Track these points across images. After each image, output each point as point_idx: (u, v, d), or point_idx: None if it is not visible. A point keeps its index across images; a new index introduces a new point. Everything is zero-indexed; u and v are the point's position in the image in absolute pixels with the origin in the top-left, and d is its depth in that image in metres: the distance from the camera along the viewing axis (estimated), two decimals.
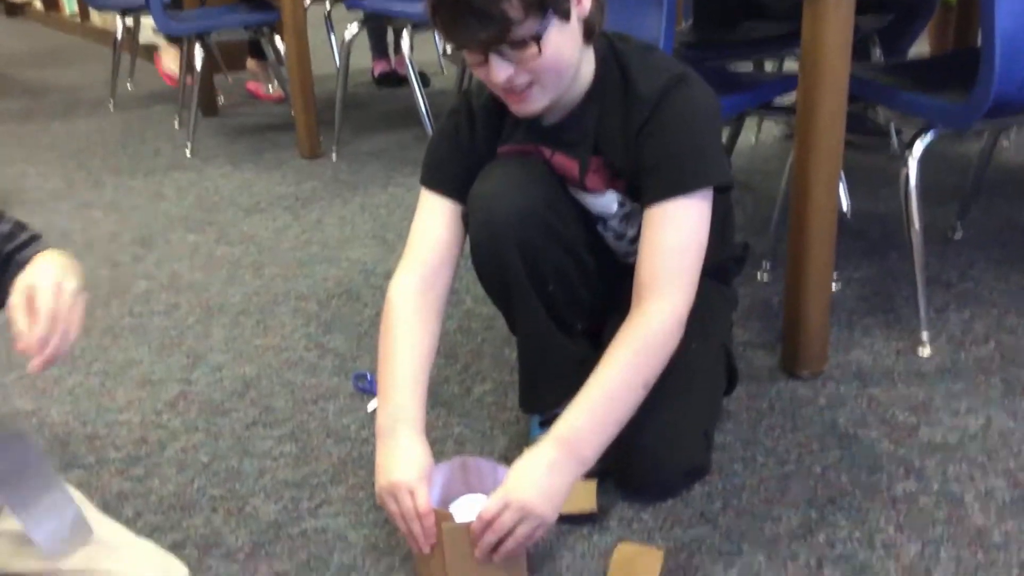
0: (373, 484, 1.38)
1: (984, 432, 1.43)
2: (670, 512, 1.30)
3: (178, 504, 1.38)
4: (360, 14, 3.09)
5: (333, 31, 4.35)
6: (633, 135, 1.23)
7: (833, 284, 1.72)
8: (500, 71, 1.14)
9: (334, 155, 3.11)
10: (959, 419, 1.47)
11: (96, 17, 6.12)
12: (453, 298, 1.99)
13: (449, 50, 1.28)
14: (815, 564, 1.18)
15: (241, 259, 2.30)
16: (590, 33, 1.20)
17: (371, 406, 1.61)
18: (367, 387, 1.67)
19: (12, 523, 1.01)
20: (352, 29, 3.10)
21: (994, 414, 1.48)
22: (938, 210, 2.25)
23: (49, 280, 0.91)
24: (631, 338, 1.18)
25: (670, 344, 1.19)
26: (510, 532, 1.11)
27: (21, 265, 0.98)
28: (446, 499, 1.22)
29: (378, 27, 3.94)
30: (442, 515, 1.14)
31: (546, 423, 1.43)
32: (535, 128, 1.29)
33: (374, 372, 1.71)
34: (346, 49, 3.10)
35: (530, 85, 1.17)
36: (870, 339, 1.73)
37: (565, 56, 1.17)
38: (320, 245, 2.36)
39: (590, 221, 1.36)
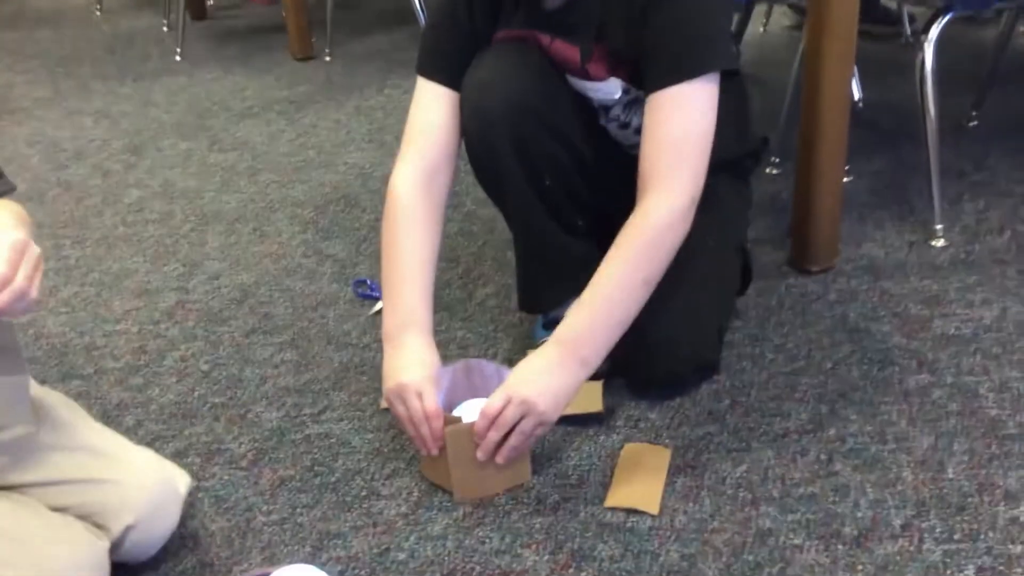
0: (376, 390, 1.37)
1: (999, 323, 1.40)
2: (677, 411, 1.28)
3: (179, 413, 1.37)
4: None
5: None
6: (636, 16, 1.15)
7: (844, 176, 1.67)
8: None
9: (327, 56, 3.02)
10: (973, 310, 1.44)
11: None
12: (454, 200, 1.94)
13: None
14: (825, 459, 1.17)
15: (235, 165, 2.24)
16: None
17: (372, 311, 1.58)
18: (367, 293, 1.64)
19: (9, 434, 0.99)
20: None
21: (1009, 304, 1.44)
22: (952, 99, 2.17)
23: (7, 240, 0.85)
24: (632, 234, 1.14)
25: (673, 239, 1.14)
26: (513, 429, 1.09)
27: None
28: (451, 403, 1.20)
29: None
30: (449, 418, 1.12)
31: (550, 325, 1.39)
32: (535, 13, 1.22)
33: (374, 278, 1.68)
34: None
35: None
36: (882, 232, 1.68)
37: None
38: (315, 150, 2.30)
39: (590, 113, 1.30)
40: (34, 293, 0.84)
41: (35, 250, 0.87)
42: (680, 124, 1.13)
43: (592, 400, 1.26)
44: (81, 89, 2.89)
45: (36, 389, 1.08)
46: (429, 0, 1.34)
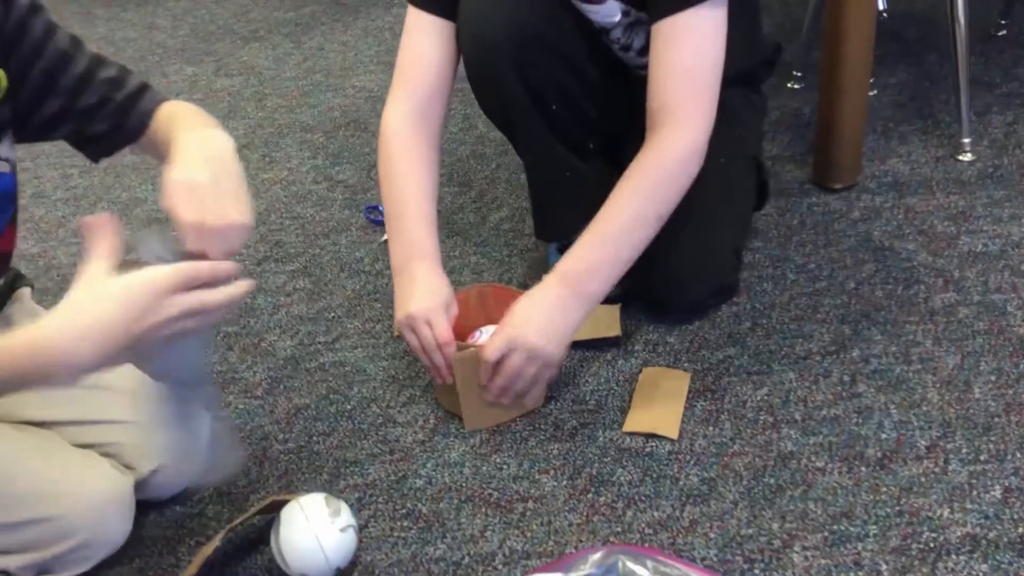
0: (389, 317, 1.35)
1: None
2: (696, 334, 1.25)
3: None
4: None
5: None
6: None
7: (868, 90, 1.61)
8: None
9: None
10: (1001, 226, 1.39)
11: None
12: (464, 124, 1.90)
13: None
14: (848, 380, 1.14)
15: (242, 90, 2.19)
16: None
17: (384, 238, 1.56)
18: (379, 219, 1.61)
19: None
20: None
21: None
22: (979, 6, 2.08)
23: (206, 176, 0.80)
24: (645, 168, 1.09)
25: (686, 175, 1.10)
26: (520, 373, 1.07)
27: (144, 115, 0.93)
28: (465, 330, 1.18)
29: None
30: (462, 346, 1.11)
31: (564, 249, 1.36)
32: None
33: None
34: None
35: None
36: (907, 147, 1.63)
37: None
38: (323, 73, 2.24)
39: (594, 34, 1.24)
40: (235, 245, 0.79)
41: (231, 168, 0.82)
42: (690, 53, 1.08)
43: (610, 324, 1.24)
44: (85, 16, 2.83)
45: (31, 309, 1.07)
46: None
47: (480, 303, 1.20)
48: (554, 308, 1.08)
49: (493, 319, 1.17)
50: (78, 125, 0.94)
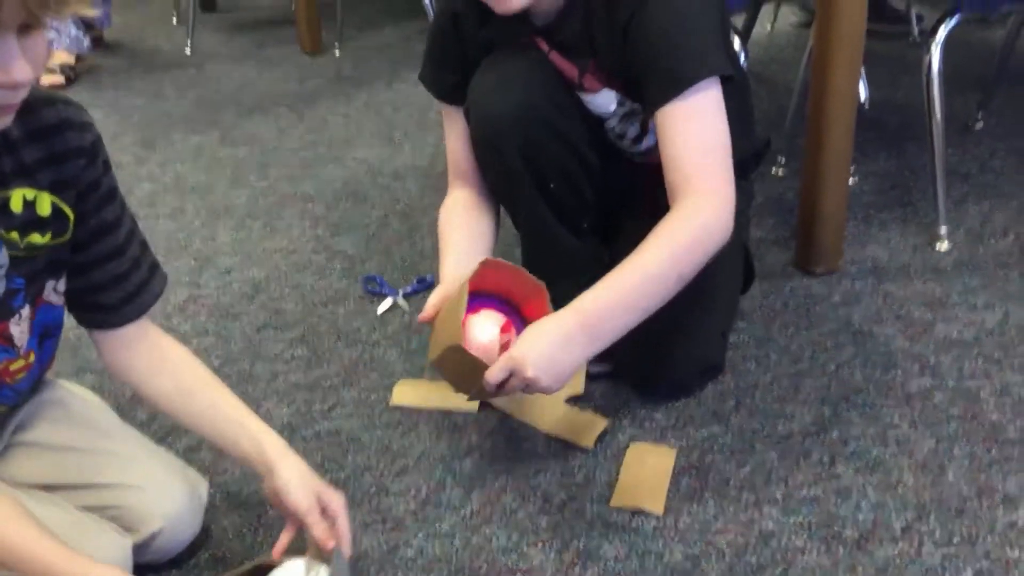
0: (385, 387, 1.40)
1: (1001, 327, 1.42)
2: (683, 411, 1.30)
3: None
4: None
5: None
6: (620, 33, 1.16)
7: (850, 178, 1.68)
8: None
9: (337, 51, 3.03)
10: (976, 314, 1.45)
11: None
12: None
13: None
14: (828, 461, 1.18)
15: (246, 160, 2.26)
16: None
17: (381, 308, 1.60)
18: (376, 290, 1.66)
19: (30, 435, 1.01)
20: None
21: (1012, 309, 1.46)
22: (958, 100, 2.18)
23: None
24: (672, 228, 1.12)
25: (712, 242, 1.13)
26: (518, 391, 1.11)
27: (142, 308, 1.03)
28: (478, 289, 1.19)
29: None
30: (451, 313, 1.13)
31: None
32: (528, 26, 1.23)
33: (383, 274, 1.69)
34: None
35: None
36: (886, 234, 1.70)
37: None
38: (325, 145, 2.31)
39: (593, 119, 1.31)
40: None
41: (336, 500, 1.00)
42: (695, 133, 1.13)
43: (575, 382, 1.28)
44: (92, 82, 2.91)
45: (63, 386, 1.11)
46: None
47: (495, 272, 1.19)
48: (561, 342, 1.09)
49: (500, 287, 1.19)
50: (91, 291, 1.00)
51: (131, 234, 1.02)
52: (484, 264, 1.16)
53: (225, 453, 1.05)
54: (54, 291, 0.97)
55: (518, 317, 1.20)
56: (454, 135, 1.34)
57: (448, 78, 1.31)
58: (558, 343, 1.09)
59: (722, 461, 1.20)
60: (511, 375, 1.08)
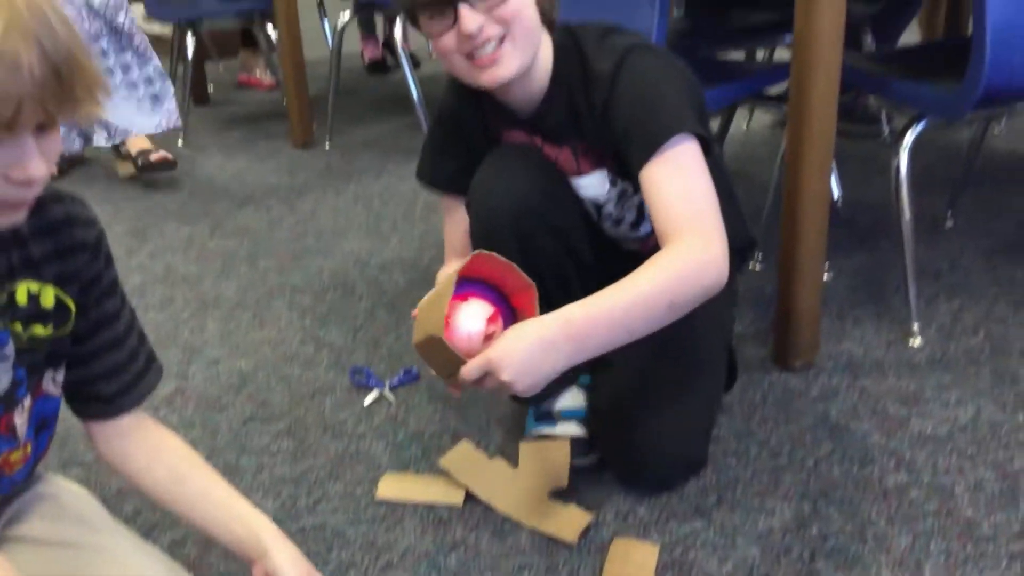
0: (371, 480, 1.41)
1: (974, 423, 1.45)
2: (665, 506, 1.32)
3: None
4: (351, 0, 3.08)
5: (326, 16, 4.32)
6: (599, 114, 1.24)
7: (824, 274, 1.73)
8: (471, 21, 1.15)
9: (327, 144, 3.11)
10: (949, 410, 1.49)
11: None
12: None
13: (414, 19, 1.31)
14: (808, 557, 1.20)
15: (236, 251, 2.30)
16: (545, 14, 1.23)
17: (367, 400, 1.62)
18: (364, 381, 1.68)
19: (22, 530, 1.02)
20: (344, 17, 3.09)
21: (983, 405, 1.50)
22: (928, 198, 2.26)
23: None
24: (664, 259, 1.12)
25: (706, 278, 1.12)
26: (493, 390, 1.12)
27: (135, 401, 1.05)
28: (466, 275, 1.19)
29: (368, 18, 3.94)
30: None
31: (542, 416, 1.44)
32: (515, 120, 1.31)
33: (370, 366, 1.72)
34: (338, 38, 3.10)
35: (501, 41, 1.18)
36: (861, 330, 1.75)
37: (530, 13, 1.20)
38: (315, 236, 2.36)
39: (588, 213, 1.37)
40: None
41: None
42: (679, 183, 1.16)
43: (558, 475, 1.32)
44: (84, 174, 2.96)
45: (53, 480, 1.12)
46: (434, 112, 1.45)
47: (489, 266, 1.19)
48: (540, 348, 1.09)
49: (492, 277, 1.19)
50: (90, 382, 1.02)
51: (130, 326, 1.04)
52: (477, 254, 1.16)
53: (216, 539, 1.05)
54: (52, 382, 0.99)
55: (508, 308, 1.20)
56: (452, 223, 1.43)
57: (449, 166, 1.39)
58: (539, 349, 1.08)
59: (704, 557, 1.22)
60: (487, 375, 1.09)
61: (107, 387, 1.02)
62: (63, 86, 0.76)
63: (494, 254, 1.16)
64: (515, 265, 1.17)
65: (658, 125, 1.18)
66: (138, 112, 2.67)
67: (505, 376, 1.07)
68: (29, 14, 0.74)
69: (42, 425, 1.00)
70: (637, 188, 1.30)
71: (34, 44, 0.73)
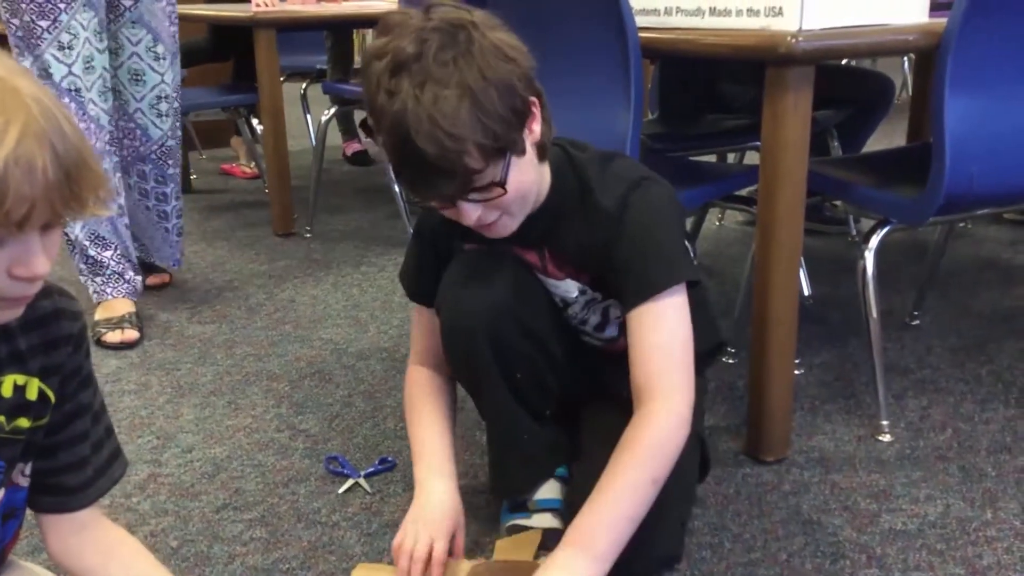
0: (344, 571, 1.40)
1: (943, 519, 1.47)
2: None
3: None
4: (335, 97, 3.17)
5: (309, 110, 4.43)
6: (600, 247, 1.27)
7: (795, 369, 1.77)
8: (470, 214, 1.20)
9: (307, 233, 3.15)
10: (919, 506, 1.51)
11: None
12: None
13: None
14: None
15: (213, 338, 2.31)
16: (543, 153, 1.26)
17: (342, 489, 1.62)
18: (338, 470, 1.68)
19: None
20: (328, 112, 3.18)
21: (952, 501, 1.52)
22: (896, 296, 2.33)
23: None
24: (636, 439, 1.20)
25: (675, 443, 1.21)
26: None
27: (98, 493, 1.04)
28: None
29: (347, 112, 4.04)
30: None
31: (516, 508, 1.45)
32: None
33: (345, 454, 1.72)
34: (322, 131, 3.17)
35: (500, 216, 1.23)
36: (832, 425, 1.77)
37: (528, 184, 1.23)
38: (292, 324, 2.38)
39: (557, 309, 1.40)
40: None
41: None
42: (661, 335, 1.23)
43: (528, 550, 1.33)
44: (63, 259, 2.97)
45: (24, 567, 1.10)
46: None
47: None
48: (568, 565, 1.14)
49: None
50: (56, 473, 1.01)
51: (97, 418, 1.04)
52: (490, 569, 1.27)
53: None
54: (22, 474, 0.99)
55: None
56: (421, 327, 1.46)
57: (423, 283, 1.42)
58: (561, 570, 1.13)
59: None
60: None
61: (72, 479, 1.01)
62: (72, 188, 0.79)
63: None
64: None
65: (656, 273, 1.24)
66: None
67: None
68: (43, 118, 0.77)
69: (10, 514, 1.00)
70: (606, 297, 1.35)
71: (48, 147, 0.76)
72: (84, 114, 2.23)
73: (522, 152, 1.19)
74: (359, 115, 4.18)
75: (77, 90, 2.21)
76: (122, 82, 2.40)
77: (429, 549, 1.25)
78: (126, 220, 2.43)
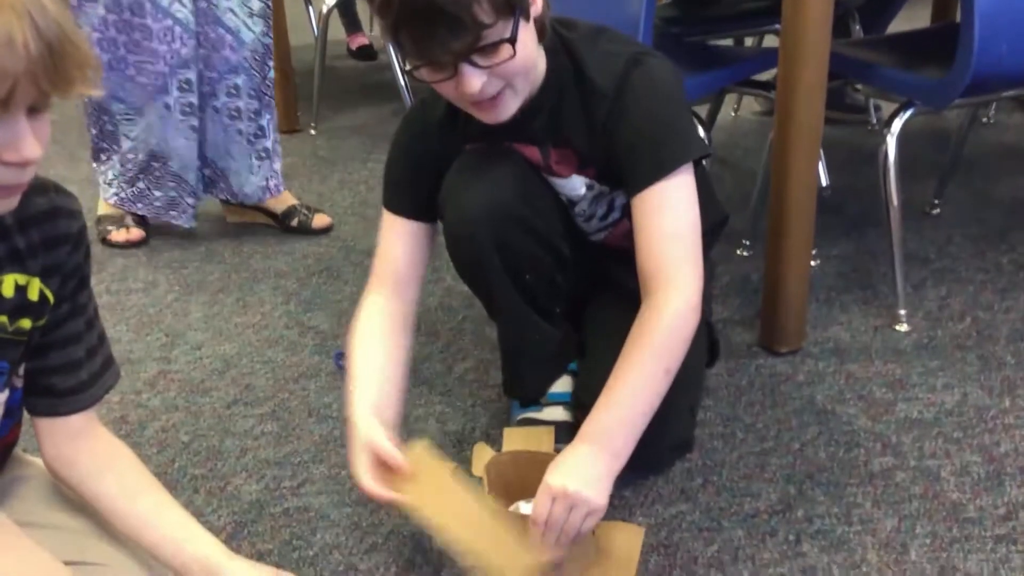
0: None
1: (960, 408, 1.45)
2: (651, 489, 1.31)
3: None
4: None
5: (311, 3, 4.29)
6: (599, 127, 1.21)
7: (812, 261, 1.73)
8: (473, 80, 1.10)
9: (312, 130, 3.09)
10: (935, 395, 1.49)
11: None
12: (433, 276, 1.98)
13: (407, 66, 1.24)
14: (793, 539, 1.20)
15: (220, 236, 2.28)
16: (543, 31, 1.18)
17: None
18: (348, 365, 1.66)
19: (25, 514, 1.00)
20: (330, 2, 3.07)
21: (970, 390, 1.50)
22: (916, 186, 2.27)
23: None
24: (648, 329, 1.16)
25: (687, 329, 1.16)
26: (564, 523, 1.08)
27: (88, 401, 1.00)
28: (505, 497, 1.20)
29: (348, 2, 3.90)
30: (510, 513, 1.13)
31: (527, 402, 1.43)
32: (491, 128, 1.24)
33: None
34: (324, 22, 3.08)
35: (501, 91, 1.14)
36: (848, 315, 1.75)
37: (532, 57, 1.16)
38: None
39: (563, 207, 1.35)
40: None
41: None
42: (671, 219, 1.18)
43: (547, 443, 1.31)
44: (68, 156, 2.93)
45: (33, 464, 1.10)
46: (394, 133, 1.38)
47: (515, 470, 1.22)
48: (586, 461, 1.11)
49: (529, 488, 1.17)
50: (44, 374, 0.98)
51: (91, 323, 1.00)
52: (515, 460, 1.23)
53: (163, 562, 1.00)
54: (17, 375, 0.97)
55: None
56: (390, 242, 1.33)
57: (407, 189, 1.32)
58: (583, 462, 1.10)
59: (690, 539, 1.21)
60: (552, 500, 1.07)
61: (61, 382, 0.98)
62: (56, 63, 0.75)
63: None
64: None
65: (663, 154, 1.18)
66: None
67: (572, 487, 1.07)
68: None
69: (7, 414, 0.99)
70: (614, 188, 1.29)
71: (27, 20, 0.72)
72: (164, 15, 1.99)
73: (528, 17, 1.12)
74: (363, 9, 4.05)
75: None
76: None
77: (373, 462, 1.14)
78: (194, 145, 2.15)
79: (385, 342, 1.27)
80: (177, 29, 2.02)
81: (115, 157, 2.19)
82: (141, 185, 2.20)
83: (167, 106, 2.09)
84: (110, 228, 2.24)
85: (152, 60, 2.04)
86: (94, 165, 2.26)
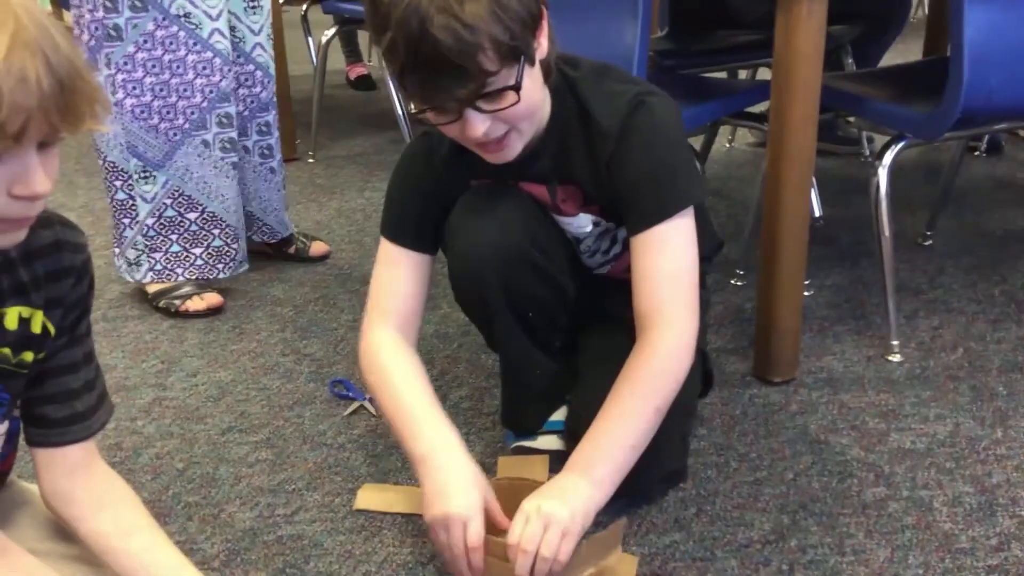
0: (349, 491, 1.40)
1: (952, 438, 1.46)
2: (644, 518, 1.31)
3: (153, 511, 1.34)
4: (337, 16, 3.09)
5: (310, 33, 4.33)
6: (602, 168, 1.23)
7: (805, 290, 1.74)
8: (477, 124, 1.11)
9: (311, 158, 3.11)
10: (928, 425, 1.50)
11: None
12: (429, 303, 1.98)
13: (412, 109, 1.24)
14: (787, 569, 1.20)
15: None
16: (548, 72, 1.19)
17: (348, 411, 1.62)
18: (344, 393, 1.67)
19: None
20: (329, 32, 3.10)
21: (962, 420, 1.51)
22: (909, 217, 2.29)
23: None
24: (639, 367, 1.18)
25: (680, 372, 1.18)
26: (540, 542, 1.08)
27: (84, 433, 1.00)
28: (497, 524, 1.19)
29: (350, 32, 3.94)
30: (493, 542, 1.12)
31: (521, 431, 1.44)
32: (498, 166, 1.25)
33: (350, 378, 1.71)
34: (323, 52, 3.10)
35: (507, 134, 1.16)
36: (841, 345, 1.75)
37: (537, 100, 1.17)
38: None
39: (567, 243, 1.36)
40: None
41: None
42: (670, 261, 1.19)
43: (541, 471, 1.32)
44: (66, 184, 2.95)
45: (28, 490, 1.10)
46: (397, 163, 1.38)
47: (511, 496, 1.21)
48: (565, 486, 1.12)
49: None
50: (40, 402, 0.98)
51: (89, 356, 1.01)
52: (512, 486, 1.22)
53: None
54: (16, 405, 0.98)
55: None
56: (391, 277, 1.33)
57: (409, 220, 1.32)
58: (564, 487, 1.12)
59: (683, 569, 1.21)
60: (526, 520, 1.08)
61: (54, 411, 0.98)
62: (68, 99, 0.76)
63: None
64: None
65: (664, 197, 1.19)
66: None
67: (547, 505, 1.08)
68: (33, 27, 0.74)
69: (5, 443, 0.99)
70: (618, 224, 1.31)
71: (40, 57, 0.74)
72: (204, 47, 1.87)
73: (533, 62, 1.13)
74: (363, 37, 4.09)
75: (188, 15, 1.84)
76: (235, 13, 1.97)
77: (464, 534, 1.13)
78: (235, 185, 2.03)
79: (426, 386, 1.27)
80: (217, 61, 1.90)
81: (129, 233, 2.00)
82: (176, 248, 2.00)
83: (205, 143, 1.94)
84: (176, 300, 2.01)
85: (187, 95, 1.90)
86: (115, 250, 2.08)
